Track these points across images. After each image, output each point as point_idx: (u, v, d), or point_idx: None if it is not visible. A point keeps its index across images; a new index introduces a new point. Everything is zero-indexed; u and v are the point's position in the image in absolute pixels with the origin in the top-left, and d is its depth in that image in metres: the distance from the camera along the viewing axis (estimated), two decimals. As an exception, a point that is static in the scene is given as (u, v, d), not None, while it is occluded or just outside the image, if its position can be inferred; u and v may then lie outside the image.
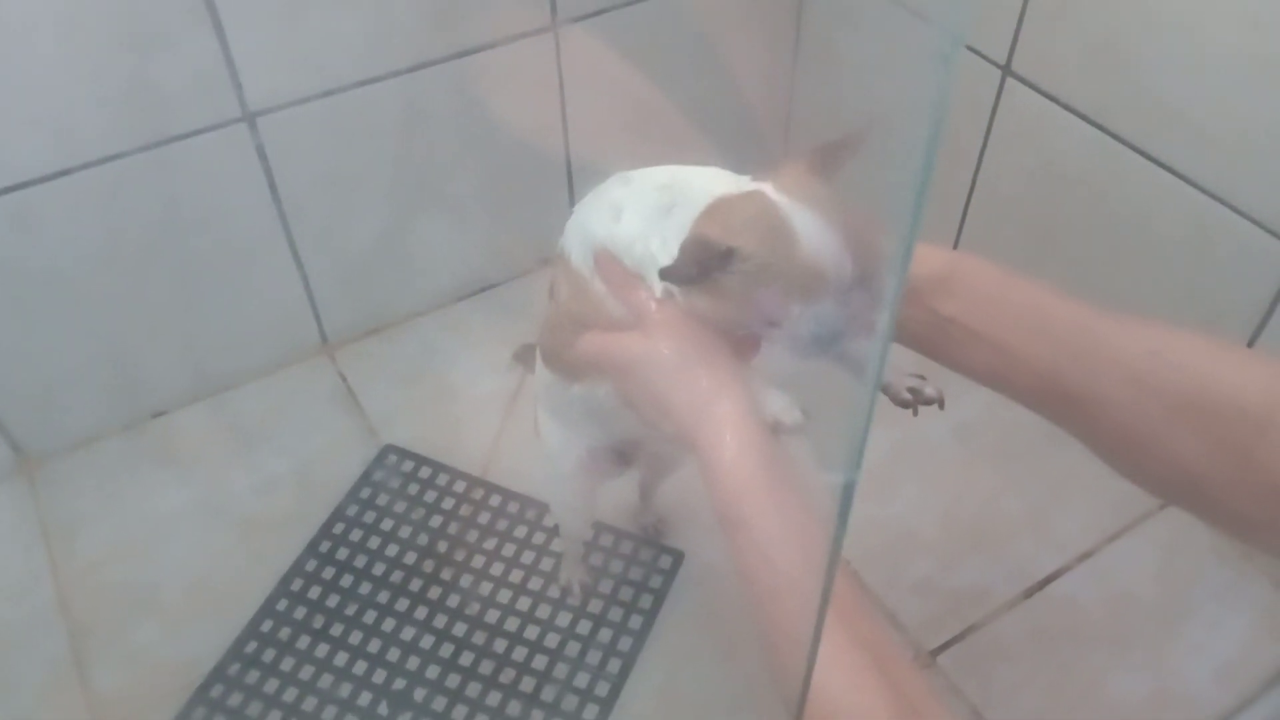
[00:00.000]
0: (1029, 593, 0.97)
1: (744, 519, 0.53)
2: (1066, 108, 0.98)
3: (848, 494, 0.36)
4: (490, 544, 1.00)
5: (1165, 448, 0.55)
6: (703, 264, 0.55)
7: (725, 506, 0.54)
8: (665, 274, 0.57)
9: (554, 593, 0.97)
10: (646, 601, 0.96)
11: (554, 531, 1.01)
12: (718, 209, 0.57)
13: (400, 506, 1.03)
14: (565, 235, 0.67)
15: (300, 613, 0.95)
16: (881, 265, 0.58)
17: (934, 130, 0.28)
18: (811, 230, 0.55)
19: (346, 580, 0.98)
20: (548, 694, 0.89)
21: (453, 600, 0.96)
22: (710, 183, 0.59)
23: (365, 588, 0.97)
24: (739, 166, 0.62)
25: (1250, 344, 0.91)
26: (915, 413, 0.65)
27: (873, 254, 0.57)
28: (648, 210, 0.60)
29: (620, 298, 0.61)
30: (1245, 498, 0.54)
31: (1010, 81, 1.02)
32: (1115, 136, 0.95)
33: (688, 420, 0.56)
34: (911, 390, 0.64)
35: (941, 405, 0.64)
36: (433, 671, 0.91)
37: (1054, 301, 0.58)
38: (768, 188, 0.57)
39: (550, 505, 0.93)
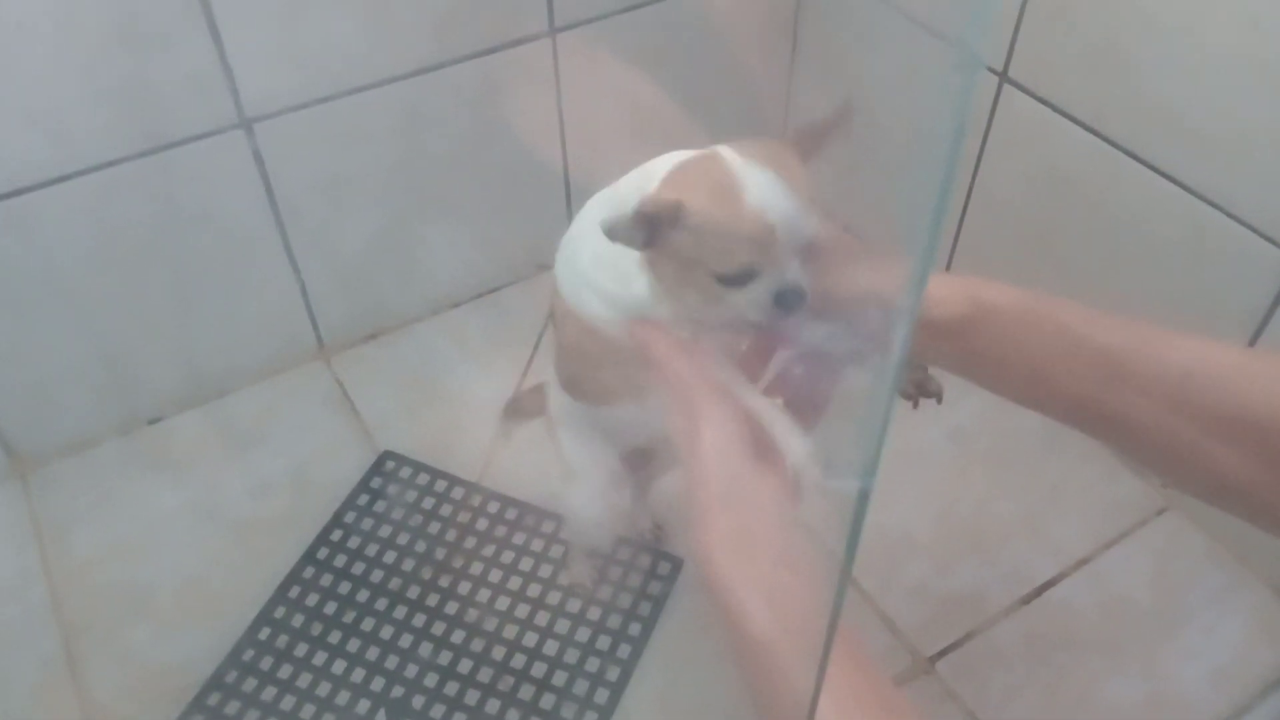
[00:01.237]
0: (1025, 599, 0.97)
1: (711, 582, 0.52)
2: (1063, 113, 0.98)
3: (861, 504, 0.35)
4: (489, 550, 1.00)
5: (1205, 461, 0.55)
6: (651, 222, 0.54)
7: (697, 568, 0.53)
8: (611, 231, 0.55)
9: (553, 599, 0.96)
10: (645, 608, 0.96)
11: (551, 537, 1.01)
12: (674, 174, 0.57)
13: (398, 513, 1.03)
14: (556, 268, 0.67)
15: (298, 620, 0.95)
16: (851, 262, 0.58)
17: (952, 153, 0.28)
18: (760, 185, 0.54)
19: (344, 587, 0.97)
20: (546, 701, 0.89)
21: (451, 607, 0.96)
22: (671, 158, 0.59)
23: (363, 594, 0.97)
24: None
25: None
26: (915, 405, 0.65)
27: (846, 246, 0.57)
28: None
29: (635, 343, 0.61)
30: None
31: (1007, 88, 1.02)
32: (1112, 142, 0.95)
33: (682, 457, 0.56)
34: (915, 383, 0.64)
35: (940, 400, 0.64)
36: (431, 679, 0.91)
37: (1082, 325, 0.58)
38: (725, 149, 0.56)
39: (572, 521, 0.92)
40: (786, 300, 0.56)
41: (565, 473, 0.82)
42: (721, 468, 0.53)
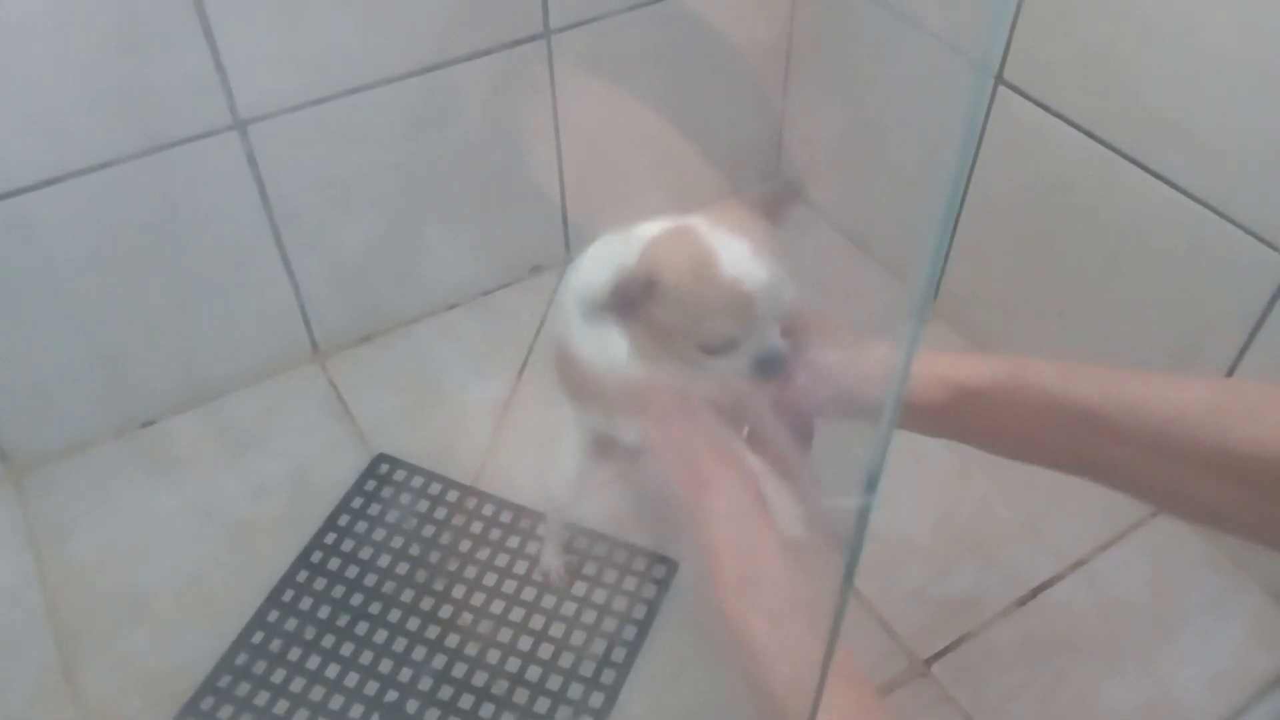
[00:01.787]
0: (1022, 601, 0.97)
1: (730, 627, 0.53)
2: (1060, 116, 0.98)
3: (862, 521, 0.36)
4: (483, 554, 1.00)
5: (1196, 496, 0.56)
6: (627, 298, 0.56)
7: (718, 607, 0.54)
8: (586, 307, 0.57)
9: (548, 602, 0.96)
10: (640, 612, 0.95)
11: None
12: (648, 248, 0.58)
13: (392, 516, 1.03)
14: (560, 300, 0.68)
15: (292, 624, 0.94)
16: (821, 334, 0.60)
17: (960, 158, 0.28)
18: (734, 254, 0.55)
19: (338, 591, 0.97)
20: (541, 705, 0.89)
21: (445, 611, 0.95)
22: (648, 229, 0.60)
23: (357, 598, 0.96)
24: (730, 172, 0.62)
25: (1241, 351, 0.91)
26: None
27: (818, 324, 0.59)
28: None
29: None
30: None
31: (1003, 90, 1.02)
32: (1109, 145, 0.95)
33: (690, 516, 0.57)
34: None
35: None
36: (425, 683, 0.90)
37: (1059, 385, 0.59)
38: (697, 221, 0.57)
39: (553, 491, 0.93)
40: (767, 367, 0.57)
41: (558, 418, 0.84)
42: (731, 519, 0.55)
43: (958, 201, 0.28)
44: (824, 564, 0.53)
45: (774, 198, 0.59)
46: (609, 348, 0.61)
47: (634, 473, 1.05)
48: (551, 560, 0.97)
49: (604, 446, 0.82)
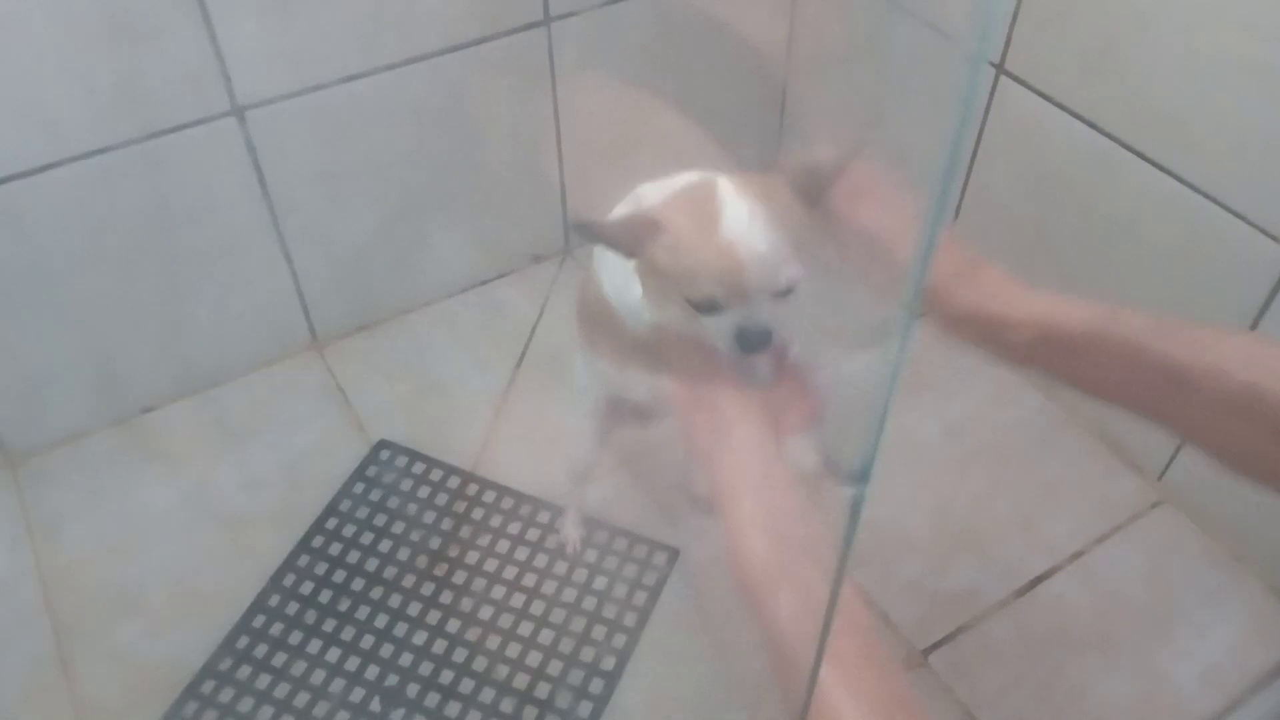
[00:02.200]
0: (1019, 593, 0.97)
1: (745, 583, 0.53)
2: (1061, 107, 0.98)
3: (856, 508, 0.36)
4: (485, 540, 1.00)
5: (1270, 461, 0.56)
6: (631, 235, 0.56)
7: (731, 568, 0.54)
8: (584, 228, 0.57)
9: (548, 588, 0.96)
10: (641, 598, 0.96)
11: (547, 527, 1.01)
12: (675, 194, 0.58)
13: (394, 502, 1.03)
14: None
15: (293, 608, 0.95)
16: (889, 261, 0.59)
17: (954, 145, 0.28)
18: (740, 220, 0.55)
19: (339, 576, 0.97)
20: (541, 690, 0.89)
21: (446, 596, 0.96)
22: (683, 177, 0.60)
23: (358, 582, 0.97)
24: (731, 159, 0.62)
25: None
26: None
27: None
28: None
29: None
30: None
31: (1004, 80, 1.02)
32: (1109, 136, 0.95)
33: (709, 473, 0.57)
34: None
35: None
36: (426, 668, 0.91)
37: (1147, 339, 0.59)
38: (725, 181, 0.57)
39: (565, 456, 0.93)
40: (748, 339, 0.56)
41: (571, 387, 0.84)
42: (752, 458, 0.55)
43: (952, 191, 0.28)
44: (834, 500, 0.53)
45: (812, 171, 0.58)
46: (628, 292, 0.62)
47: (636, 461, 1.05)
48: (571, 531, 0.98)
49: (612, 417, 0.83)
